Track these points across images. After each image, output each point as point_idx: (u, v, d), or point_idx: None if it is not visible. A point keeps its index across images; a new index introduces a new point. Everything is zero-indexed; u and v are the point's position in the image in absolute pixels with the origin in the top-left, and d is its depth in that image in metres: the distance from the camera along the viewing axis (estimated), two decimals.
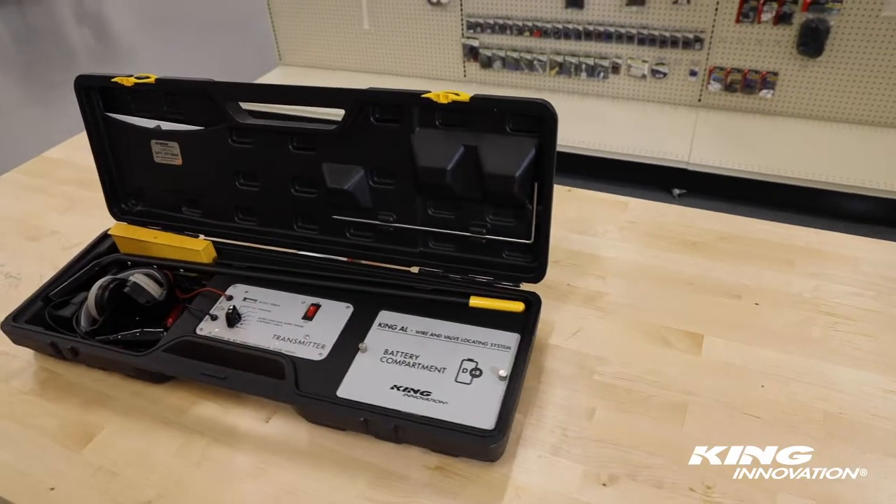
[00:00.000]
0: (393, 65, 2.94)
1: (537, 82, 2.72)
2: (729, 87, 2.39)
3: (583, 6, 2.47)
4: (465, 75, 2.87)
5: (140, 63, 4.24)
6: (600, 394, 0.74)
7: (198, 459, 0.70)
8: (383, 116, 0.76)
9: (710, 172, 2.27)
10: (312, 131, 0.80)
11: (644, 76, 2.51)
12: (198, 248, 0.88)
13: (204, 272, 0.88)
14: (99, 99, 0.89)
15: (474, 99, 0.70)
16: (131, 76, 0.84)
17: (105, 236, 0.95)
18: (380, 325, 0.77)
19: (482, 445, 0.63)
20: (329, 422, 0.70)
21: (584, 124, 2.48)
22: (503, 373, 0.69)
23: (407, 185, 0.79)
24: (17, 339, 0.82)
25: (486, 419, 0.65)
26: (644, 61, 2.49)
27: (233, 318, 0.78)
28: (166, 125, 0.88)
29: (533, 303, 0.77)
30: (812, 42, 2.14)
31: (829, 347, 0.78)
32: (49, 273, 0.98)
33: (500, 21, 2.65)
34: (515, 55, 2.71)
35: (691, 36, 2.35)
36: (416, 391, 0.68)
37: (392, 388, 0.69)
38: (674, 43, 2.39)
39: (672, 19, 2.35)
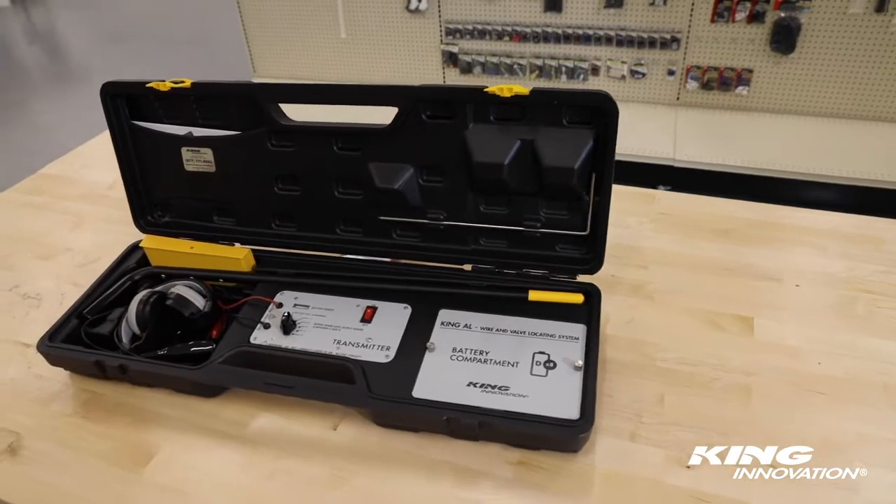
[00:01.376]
0: (372, 73, 2.93)
1: None
2: (706, 85, 2.46)
3: (561, 10, 2.51)
4: (444, 82, 2.87)
5: (98, 82, 4.11)
6: (666, 379, 0.75)
7: (269, 473, 0.67)
8: (435, 113, 0.76)
9: (695, 168, 2.33)
10: (360, 130, 0.78)
11: (623, 77, 2.57)
12: (238, 257, 0.85)
13: (246, 281, 0.86)
14: (125, 106, 0.86)
15: (534, 92, 0.70)
16: (164, 81, 0.81)
17: (133, 249, 0.92)
18: (442, 323, 0.76)
19: (570, 436, 0.63)
20: (404, 424, 0.69)
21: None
22: (579, 363, 0.69)
23: (458, 182, 0.79)
24: (55, 360, 0.78)
25: (569, 410, 0.65)
26: (623, 62, 2.54)
27: (288, 326, 0.76)
28: (198, 131, 0.86)
29: (592, 293, 0.77)
30: (784, 39, 2.23)
31: (875, 323, 0.80)
32: (69, 291, 0.95)
33: (479, 26, 2.67)
34: (495, 60, 2.73)
35: (668, 36, 2.42)
36: (493, 386, 0.68)
37: (468, 384, 0.68)
38: (651, 44, 2.45)
39: (649, 20, 2.41)
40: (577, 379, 0.68)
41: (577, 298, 0.77)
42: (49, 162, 1.31)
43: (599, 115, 0.71)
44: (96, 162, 1.30)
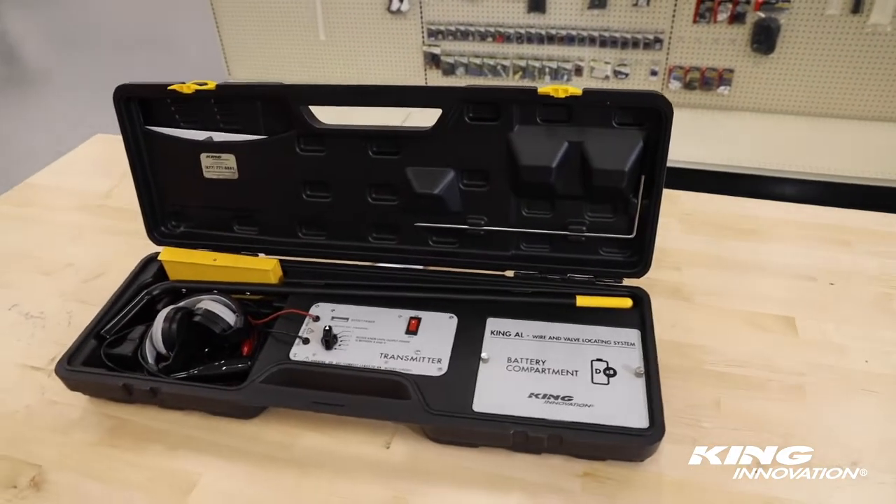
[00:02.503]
0: (351, 75, 2.88)
1: None
2: (688, 85, 2.49)
3: (545, 10, 2.51)
4: (426, 83, 2.84)
5: (59, 87, 3.94)
6: (718, 383, 0.74)
7: (325, 496, 0.63)
8: (478, 115, 0.73)
9: (678, 167, 2.35)
10: (398, 133, 0.75)
11: (607, 77, 2.58)
12: (266, 268, 0.81)
13: (275, 294, 0.81)
14: (139, 111, 0.81)
15: (586, 92, 0.68)
16: (184, 83, 0.77)
17: (148, 263, 0.87)
18: (492, 332, 0.73)
19: (642, 445, 0.61)
20: (464, 439, 0.66)
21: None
22: (640, 369, 0.67)
23: (501, 186, 0.76)
24: (74, 385, 0.73)
25: (637, 418, 0.63)
26: (606, 63, 2.56)
27: (330, 340, 0.72)
28: (219, 136, 0.81)
29: (642, 297, 0.76)
30: (765, 40, 2.27)
31: None
32: (76, 309, 0.89)
33: (462, 28, 2.65)
34: (478, 61, 2.71)
35: (651, 37, 2.44)
36: (556, 397, 0.65)
37: (530, 396, 0.66)
38: (634, 44, 2.47)
39: (632, 21, 2.43)
40: (639, 386, 0.66)
41: (626, 303, 0.76)
42: (15, 171, 1.23)
43: (651, 115, 0.70)
44: (88, 170, 1.23)
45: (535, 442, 0.63)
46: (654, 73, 2.52)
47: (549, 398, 0.65)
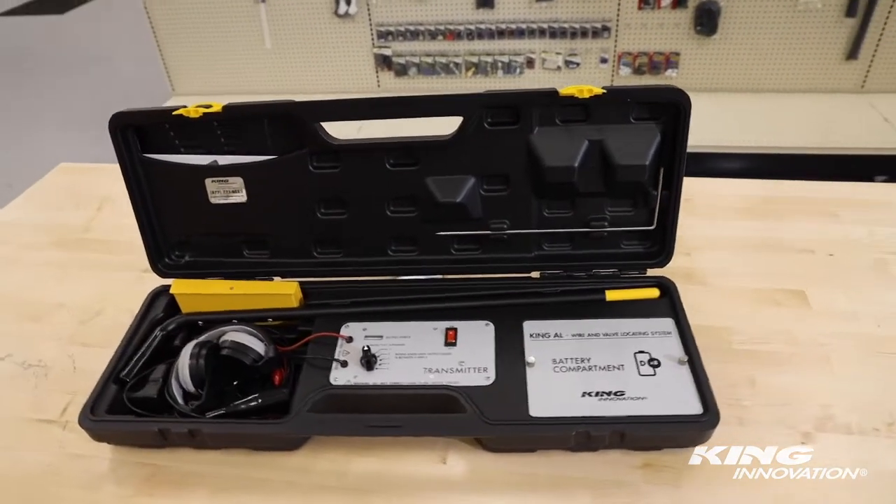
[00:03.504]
0: (301, 83, 2.82)
1: (456, 85, 2.73)
2: (637, 70, 2.56)
3: (493, 6, 2.52)
4: (378, 85, 2.81)
5: None
6: (748, 361, 0.76)
7: None
8: (497, 120, 0.73)
9: None
10: (418, 144, 0.74)
11: (559, 67, 2.62)
12: (288, 292, 0.78)
13: (297, 317, 0.79)
14: (136, 139, 0.76)
15: (608, 91, 0.69)
16: (186, 107, 0.73)
17: (155, 297, 0.82)
18: (531, 335, 0.73)
19: (700, 431, 0.63)
20: (522, 445, 0.66)
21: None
22: (683, 357, 0.69)
23: (522, 189, 0.76)
24: (101, 435, 0.69)
25: (691, 405, 0.64)
26: (557, 53, 2.59)
27: (371, 360, 0.71)
28: (223, 159, 0.78)
29: (669, 286, 0.78)
30: (707, 22, 2.36)
31: None
32: (80, 353, 0.84)
33: (412, 27, 2.63)
34: (430, 60, 2.70)
35: (599, 26, 2.49)
36: (608, 393, 0.66)
37: (583, 395, 0.66)
38: (583, 34, 2.52)
39: (580, 11, 2.47)
40: (685, 373, 0.68)
41: (654, 293, 0.77)
42: None
43: (669, 109, 0.71)
44: (57, 202, 1.16)
45: (597, 440, 0.63)
46: (603, 60, 2.57)
47: (601, 395, 0.66)
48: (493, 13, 2.54)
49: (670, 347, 0.71)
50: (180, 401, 0.70)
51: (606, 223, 0.78)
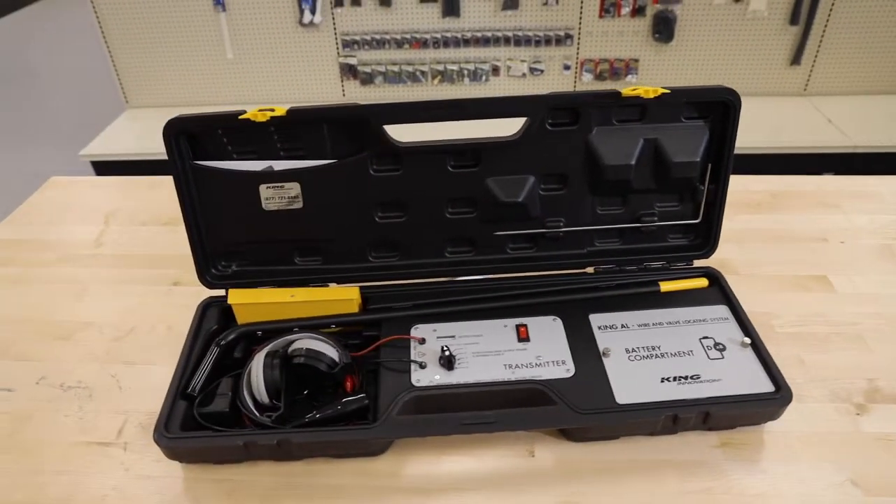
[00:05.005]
0: (265, 93, 2.76)
1: (422, 93, 2.75)
2: (599, 76, 2.66)
3: (459, 14, 2.56)
4: (343, 94, 2.80)
5: None
6: (793, 343, 0.81)
7: None
8: (557, 120, 0.75)
9: None
10: (480, 145, 0.75)
11: (524, 75, 2.68)
12: (350, 297, 0.78)
13: (362, 322, 0.78)
14: (187, 146, 0.74)
15: (673, 91, 0.72)
16: (245, 111, 0.72)
17: (206, 309, 0.80)
18: (599, 328, 0.75)
19: (776, 407, 0.67)
20: (609, 433, 0.68)
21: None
22: (745, 340, 0.73)
23: (579, 187, 0.79)
24: (177, 453, 0.66)
25: (763, 384, 0.68)
26: (522, 61, 2.66)
27: (451, 360, 0.71)
28: (279, 164, 0.77)
29: (716, 275, 0.82)
30: (664, 30, 2.48)
31: None
32: (122, 372, 0.81)
33: (378, 36, 2.63)
34: (396, 69, 2.71)
35: (562, 33, 2.57)
36: (685, 377, 0.69)
37: (662, 381, 0.69)
38: (547, 41, 2.60)
39: (543, 19, 2.55)
40: (750, 355, 0.72)
41: (703, 283, 0.81)
42: None
43: (718, 108, 0.75)
44: (59, 218, 1.10)
45: (683, 422, 0.66)
46: (566, 67, 2.66)
47: (680, 380, 0.69)
48: (459, 21, 2.58)
49: (731, 332, 0.75)
50: (256, 413, 0.68)
51: (656, 218, 0.81)
